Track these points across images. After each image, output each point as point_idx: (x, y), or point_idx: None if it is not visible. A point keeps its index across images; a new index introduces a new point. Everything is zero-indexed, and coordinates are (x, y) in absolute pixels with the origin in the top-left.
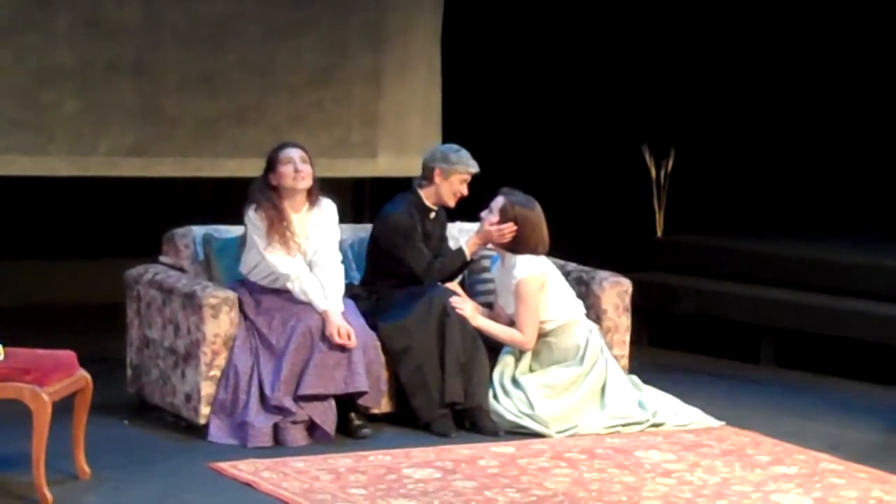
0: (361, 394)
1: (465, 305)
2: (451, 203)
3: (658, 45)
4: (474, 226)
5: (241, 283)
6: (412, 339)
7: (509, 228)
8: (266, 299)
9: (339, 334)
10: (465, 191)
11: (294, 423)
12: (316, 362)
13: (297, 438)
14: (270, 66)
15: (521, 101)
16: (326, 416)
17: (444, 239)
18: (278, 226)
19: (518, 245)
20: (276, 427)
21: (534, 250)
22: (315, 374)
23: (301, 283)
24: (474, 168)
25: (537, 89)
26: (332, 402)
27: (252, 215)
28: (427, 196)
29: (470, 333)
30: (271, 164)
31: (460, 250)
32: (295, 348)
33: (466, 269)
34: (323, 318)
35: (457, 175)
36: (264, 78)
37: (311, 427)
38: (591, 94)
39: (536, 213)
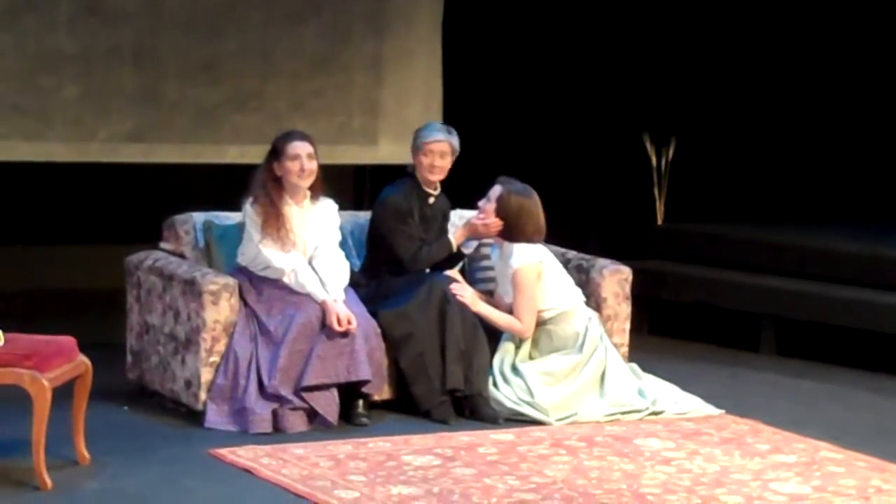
0: (364, 382)
1: (465, 292)
2: (431, 177)
3: (659, 33)
4: (474, 213)
5: (242, 270)
6: (413, 326)
7: (496, 223)
8: (267, 288)
9: (338, 322)
10: (437, 162)
11: (293, 409)
12: (318, 353)
13: (297, 424)
14: (271, 52)
15: (522, 89)
16: (330, 406)
17: (444, 226)
18: (273, 221)
19: (515, 233)
20: (275, 413)
21: (531, 238)
22: (318, 365)
23: (297, 276)
24: (433, 137)
25: (538, 77)
26: (335, 392)
27: (249, 209)
28: (421, 179)
29: (470, 320)
30: (277, 154)
31: (447, 240)
32: (293, 338)
33: (465, 259)
34: (322, 309)
35: (420, 151)
36: (265, 64)
37: (312, 413)
38: (592, 82)
39: (533, 202)
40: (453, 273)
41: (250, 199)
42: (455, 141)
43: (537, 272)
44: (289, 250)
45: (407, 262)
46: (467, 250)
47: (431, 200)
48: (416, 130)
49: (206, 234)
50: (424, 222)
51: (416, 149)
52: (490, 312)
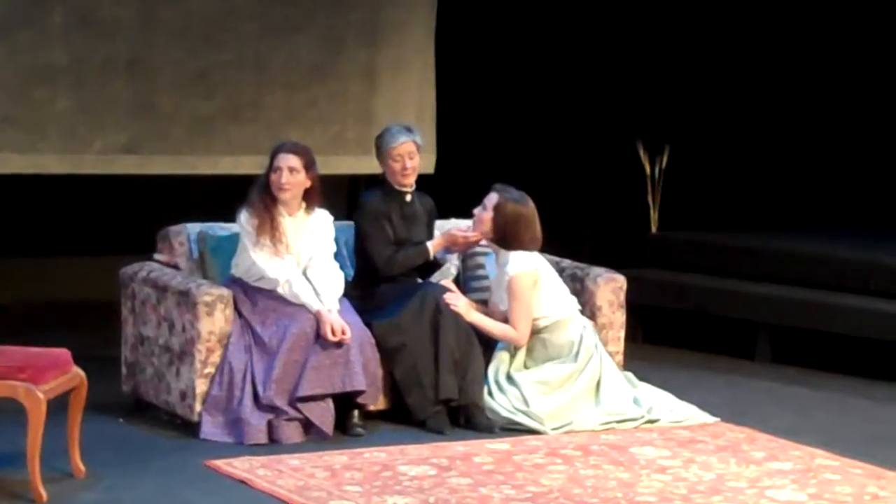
0: (360, 392)
1: (458, 301)
2: (402, 181)
3: (653, 41)
4: (469, 222)
5: (236, 281)
6: (406, 336)
7: (475, 236)
8: (261, 298)
9: (332, 332)
10: (408, 163)
11: (288, 420)
12: (313, 363)
13: (292, 435)
14: (265, 63)
15: (515, 98)
16: (325, 416)
17: (432, 228)
18: (267, 229)
19: (511, 241)
20: (270, 424)
21: (527, 246)
22: (313, 376)
23: (291, 286)
24: (397, 141)
25: (532, 86)
26: (330, 403)
27: (243, 217)
28: (393, 182)
29: (464, 330)
30: (270, 164)
31: (425, 247)
32: (288, 349)
33: (452, 266)
34: (317, 319)
35: (387, 156)
36: (259, 75)
37: (307, 424)
38: (586, 91)
39: (530, 209)
40: (447, 282)
41: (245, 208)
42: (418, 138)
43: (533, 280)
44: (283, 256)
45: (381, 266)
46: (450, 263)
47: (409, 198)
48: (378, 137)
49: (201, 246)
50: (406, 221)
51: (383, 155)
52: (484, 321)
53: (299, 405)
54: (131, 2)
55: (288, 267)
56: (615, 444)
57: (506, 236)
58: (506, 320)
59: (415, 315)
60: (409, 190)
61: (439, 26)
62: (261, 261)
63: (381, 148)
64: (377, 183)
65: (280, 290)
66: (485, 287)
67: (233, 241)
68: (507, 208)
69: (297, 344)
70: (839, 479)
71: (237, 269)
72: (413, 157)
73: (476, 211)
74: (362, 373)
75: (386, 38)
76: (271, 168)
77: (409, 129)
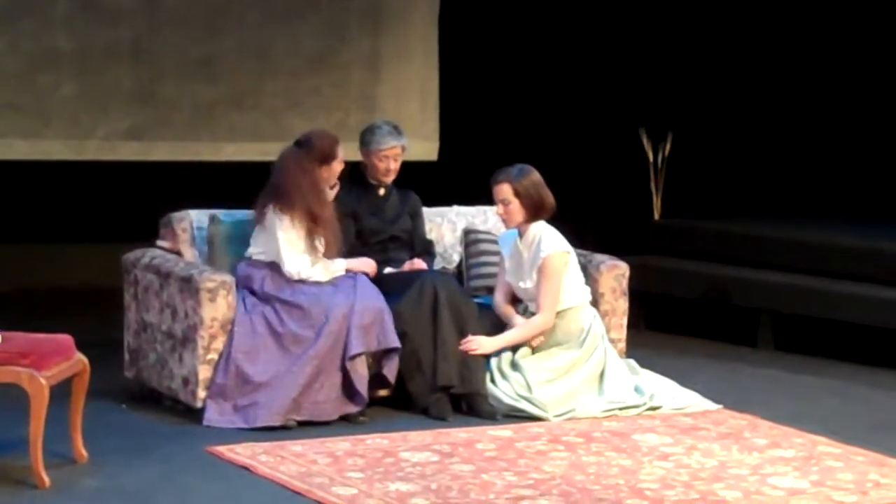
0: (392, 353)
1: (475, 345)
2: (384, 179)
3: (656, 28)
4: (471, 209)
5: (255, 262)
6: (406, 324)
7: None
8: (293, 288)
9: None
10: (392, 165)
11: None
12: (356, 323)
13: (326, 412)
14: (269, 50)
15: (518, 85)
16: (361, 383)
17: (417, 220)
18: (314, 235)
19: (542, 209)
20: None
21: (551, 210)
22: (357, 335)
23: (311, 275)
24: (386, 145)
25: (535, 73)
26: (366, 370)
27: (285, 220)
28: (371, 178)
29: (463, 320)
30: (326, 159)
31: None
32: (315, 355)
33: (462, 254)
34: (351, 272)
35: (373, 154)
36: (262, 62)
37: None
38: (589, 78)
39: (536, 175)
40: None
41: (287, 213)
42: (405, 141)
43: (565, 261)
44: (315, 263)
45: None
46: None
47: (382, 192)
48: (366, 132)
49: (212, 228)
50: (377, 214)
51: (369, 152)
52: (510, 338)
53: (347, 364)
54: None
55: (306, 265)
56: (617, 431)
57: (537, 209)
58: (517, 300)
59: (414, 303)
60: (386, 183)
61: (443, 13)
62: (288, 253)
63: (368, 145)
64: (356, 174)
65: (293, 277)
66: (488, 273)
67: (242, 225)
68: (524, 185)
69: (328, 344)
70: (841, 467)
71: (265, 255)
72: (398, 159)
73: (498, 211)
74: (394, 332)
75: (389, 25)
76: (336, 162)
77: (398, 132)
